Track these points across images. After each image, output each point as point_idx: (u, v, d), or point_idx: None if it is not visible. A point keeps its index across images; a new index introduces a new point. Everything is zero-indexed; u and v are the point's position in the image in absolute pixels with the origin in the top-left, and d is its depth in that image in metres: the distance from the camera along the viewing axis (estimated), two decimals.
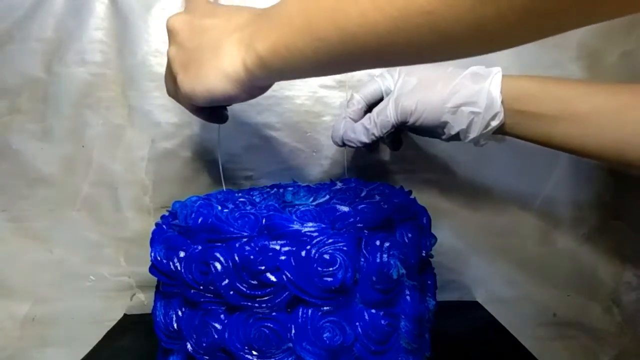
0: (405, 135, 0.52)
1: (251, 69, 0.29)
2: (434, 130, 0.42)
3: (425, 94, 0.40)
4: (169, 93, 0.37)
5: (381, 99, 0.45)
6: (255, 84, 0.31)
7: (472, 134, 0.40)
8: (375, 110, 0.43)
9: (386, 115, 0.42)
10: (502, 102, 0.38)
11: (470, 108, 0.39)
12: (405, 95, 0.41)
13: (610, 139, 0.35)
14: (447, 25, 0.19)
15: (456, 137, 0.41)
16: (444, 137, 0.42)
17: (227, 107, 0.40)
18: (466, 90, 0.39)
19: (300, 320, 0.33)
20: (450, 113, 0.39)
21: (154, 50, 0.53)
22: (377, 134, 0.43)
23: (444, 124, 0.40)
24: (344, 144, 0.46)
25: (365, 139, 0.44)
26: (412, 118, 0.41)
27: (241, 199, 0.45)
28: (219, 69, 0.30)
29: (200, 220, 0.36)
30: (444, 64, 0.42)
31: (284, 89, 0.55)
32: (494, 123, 0.38)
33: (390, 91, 0.44)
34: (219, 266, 0.33)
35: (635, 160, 0.34)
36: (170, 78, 0.35)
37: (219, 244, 0.35)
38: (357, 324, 0.34)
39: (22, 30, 0.52)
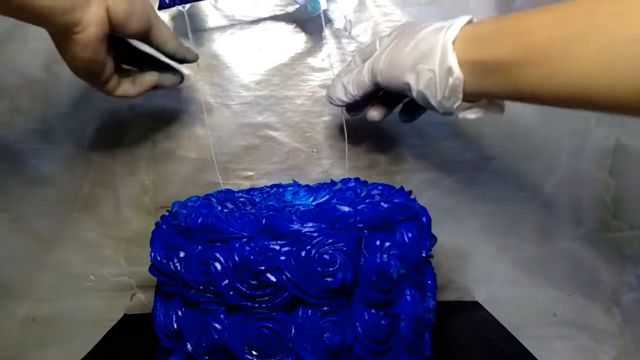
0: (416, 107, 0.46)
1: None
2: (403, 92, 0.38)
3: (392, 51, 0.37)
4: None
5: None
6: None
7: (435, 95, 0.35)
8: (357, 69, 0.42)
9: (362, 74, 0.40)
10: (456, 53, 0.33)
11: (427, 64, 0.34)
12: (378, 54, 0.39)
13: (569, 80, 0.28)
14: None
15: (426, 103, 0.37)
16: (415, 101, 0.38)
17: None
18: (424, 45, 0.35)
19: (300, 320, 0.33)
20: (410, 72, 0.36)
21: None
22: (353, 93, 0.42)
23: (407, 85, 0.36)
24: (331, 102, 0.45)
25: (343, 97, 0.43)
26: (380, 77, 0.38)
27: (241, 199, 0.45)
28: None
29: (200, 220, 0.36)
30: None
31: (284, 89, 0.55)
32: (451, 80, 0.33)
33: None
34: (218, 266, 0.33)
35: (604, 98, 0.27)
36: None
37: (219, 244, 0.35)
38: (357, 324, 0.34)
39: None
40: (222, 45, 0.53)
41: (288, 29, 0.54)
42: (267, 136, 0.55)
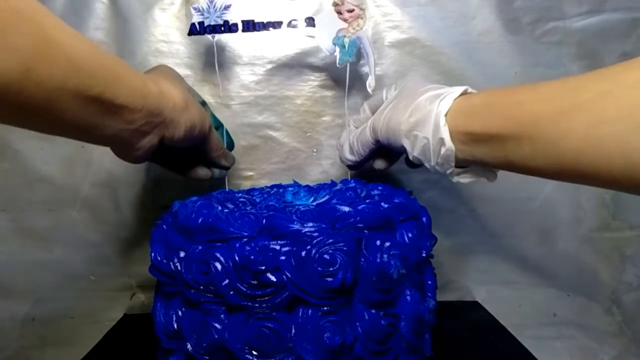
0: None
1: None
2: (404, 152, 0.39)
3: (390, 113, 0.39)
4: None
5: None
6: None
7: (429, 161, 0.36)
8: (361, 128, 0.43)
9: (365, 133, 0.42)
10: (449, 124, 0.34)
11: (421, 132, 0.35)
12: (378, 113, 0.40)
13: (561, 152, 0.27)
14: None
15: (421, 164, 0.38)
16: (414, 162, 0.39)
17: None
18: (419, 113, 0.36)
19: (300, 320, 0.33)
20: (406, 137, 0.37)
21: (154, 51, 0.53)
22: (359, 152, 0.43)
23: (404, 149, 0.38)
24: (348, 167, 0.47)
25: (350, 156, 0.44)
26: (379, 136, 0.40)
27: (241, 199, 0.45)
28: None
29: (200, 220, 0.36)
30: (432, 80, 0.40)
31: (284, 89, 0.55)
32: (444, 150, 0.34)
33: None
34: (219, 266, 0.33)
35: (599, 174, 0.26)
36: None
37: (219, 244, 0.35)
38: (357, 324, 0.34)
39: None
40: (222, 45, 0.53)
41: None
42: (267, 136, 0.55)
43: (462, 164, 0.35)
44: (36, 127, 0.29)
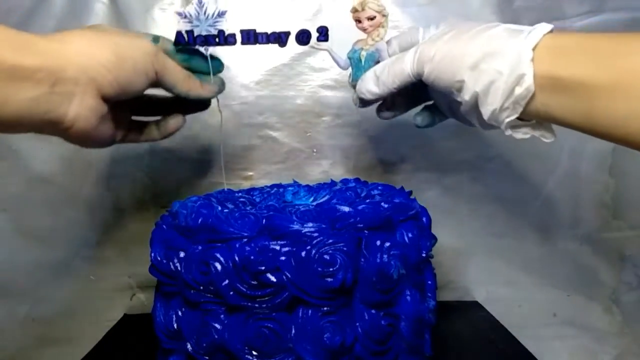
0: (437, 113, 0.42)
1: None
2: (450, 93, 0.34)
3: (450, 42, 0.33)
4: None
5: None
6: None
7: (492, 103, 0.30)
8: (394, 56, 0.37)
9: (403, 61, 0.35)
10: (534, 63, 0.29)
11: (493, 64, 0.30)
12: (429, 42, 0.34)
13: None
14: None
15: (473, 111, 0.32)
16: (461, 107, 0.34)
17: None
18: (495, 42, 0.30)
19: (300, 320, 0.33)
20: (470, 69, 0.31)
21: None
22: (388, 84, 0.36)
23: (460, 84, 0.32)
24: (360, 101, 0.39)
25: (373, 88, 0.37)
26: (428, 68, 0.33)
27: (241, 199, 0.45)
28: None
29: (200, 220, 0.36)
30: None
31: (284, 89, 0.55)
32: (519, 90, 0.29)
33: None
34: (219, 266, 0.33)
35: None
36: None
37: (219, 244, 0.35)
38: (357, 324, 0.34)
39: (22, 31, 0.52)
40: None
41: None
42: (267, 136, 0.55)
43: (522, 116, 0.31)
44: None
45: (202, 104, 0.43)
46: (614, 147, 0.56)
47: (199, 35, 0.38)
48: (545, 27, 0.30)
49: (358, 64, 0.39)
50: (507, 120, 0.31)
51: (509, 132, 0.32)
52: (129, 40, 0.35)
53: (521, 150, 0.56)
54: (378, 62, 0.39)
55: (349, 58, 0.40)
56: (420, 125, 0.42)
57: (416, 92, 0.41)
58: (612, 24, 0.52)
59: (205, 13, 0.38)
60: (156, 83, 0.37)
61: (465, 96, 0.32)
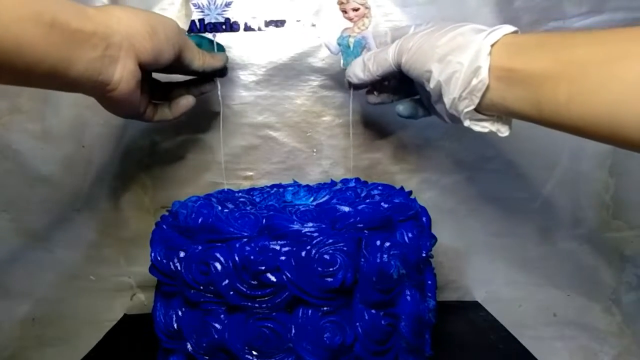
0: (420, 107, 0.45)
1: None
2: (422, 83, 0.37)
3: (424, 37, 0.37)
4: None
5: None
6: None
7: (452, 92, 0.34)
8: (380, 47, 0.42)
9: (386, 52, 0.40)
10: (490, 58, 0.32)
11: (456, 57, 0.33)
12: (409, 36, 0.39)
13: (600, 100, 0.27)
14: None
15: (440, 101, 0.36)
16: (431, 99, 0.37)
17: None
18: (461, 38, 0.34)
19: (300, 320, 0.33)
20: (437, 61, 0.35)
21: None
22: (372, 70, 0.41)
23: (429, 74, 0.35)
24: (348, 84, 0.45)
25: (361, 74, 0.42)
26: (404, 58, 0.38)
27: (241, 199, 0.45)
28: None
29: (200, 220, 0.36)
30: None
31: (284, 89, 0.55)
32: (475, 81, 0.32)
33: None
34: (219, 266, 0.34)
35: (630, 130, 0.26)
36: None
37: (219, 244, 0.35)
38: (357, 324, 0.34)
39: None
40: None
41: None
42: (267, 136, 0.55)
43: (479, 109, 0.34)
44: (10, 73, 0.29)
45: (207, 85, 0.48)
46: (614, 147, 0.56)
47: (209, 23, 0.45)
48: (508, 28, 0.33)
49: (347, 50, 0.46)
50: (466, 110, 0.34)
51: (467, 123, 0.35)
52: (161, 17, 0.40)
53: (521, 150, 0.56)
54: (365, 47, 0.46)
55: (339, 44, 0.46)
56: (402, 114, 0.45)
57: (404, 85, 0.45)
58: (612, 24, 0.52)
59: (215, 3, 0.45)
60: (176, 62, 0.41)
61: (431, 84, 0.35)
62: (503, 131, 0.36)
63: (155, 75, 0.45)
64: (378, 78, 0.42)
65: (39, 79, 0.31)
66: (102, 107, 0.39)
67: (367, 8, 0.45)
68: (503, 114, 0.34)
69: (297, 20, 0.48)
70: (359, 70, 0.43)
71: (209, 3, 0.45)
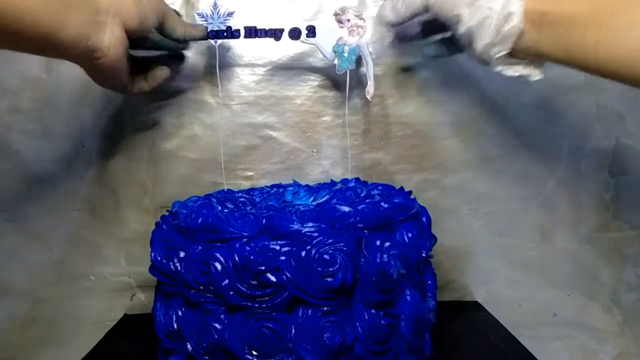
0: (450, 46, 0.46)
1: None
2: (449, 27, 0.38)
3: None
4: None
5: None
6: None
7: (484, 37, 0.34)
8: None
9: None
10: (525, 1, 0.32)
11: (487, 2, 0.33)
12: None
13: (627, 42, 0.27)
14: None
15: (468, 43, 0.35)
16: (460, 42, 0.37)
17: None
18: None
19: (300, 320, 0.33)
20: (467, 5, 0.34)
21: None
22: (401, 13, 0.41)
23: (458, 18, 0.35)
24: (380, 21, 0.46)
25: (389, 14, 0.43)
26: (433, 2, 0.38)
27: (241, 199, 0.45)
28: None
29: (200, 220, 0.36)
30: None
31: (284, 89, 0.55)
32: (507, 27, 0.32)
33: None
34: (219, 266, 0.34)
35: None
36: None
37: (219, 244, 0.35)
38: (357, 324, 0.34)
39: None
40: (223, 45, 0.53)
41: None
42: (267, 136, 0.55)
43: (511, 54, 0.34)
44: (2, 36, 0.30)
45: (179, 59, 0.51)
46: (614, 147, 0.56)
47: (212, 31, 0.47)
48: None
49: (342, 56, 0.47)
50: (497, 55, 0.34)
51: (499, 68, 0.35)
52: None
53: (521, 150, 0.56)
54: (359, 55, 0.48)
55: (334, 51, 0.48)
56: (431, 54, 0.47)
57: (435, 24, 0.44)
58: None
59: (218, 12, 0.47)
60: (159, 26, 0.43)
61: (461, 29, 0.35)
62: (535, 75, 0.36)
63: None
64: (407, 19, 0.42)
65: (30, 42, 0.32)
66: (91, 77, 0.40)
67: (361, 19, 0.47)
68: (535, 57, 0.34)
69: (295, 29, 0.48)
70: (389, 11, 0.43)
71: (213, 12, 0.47)
